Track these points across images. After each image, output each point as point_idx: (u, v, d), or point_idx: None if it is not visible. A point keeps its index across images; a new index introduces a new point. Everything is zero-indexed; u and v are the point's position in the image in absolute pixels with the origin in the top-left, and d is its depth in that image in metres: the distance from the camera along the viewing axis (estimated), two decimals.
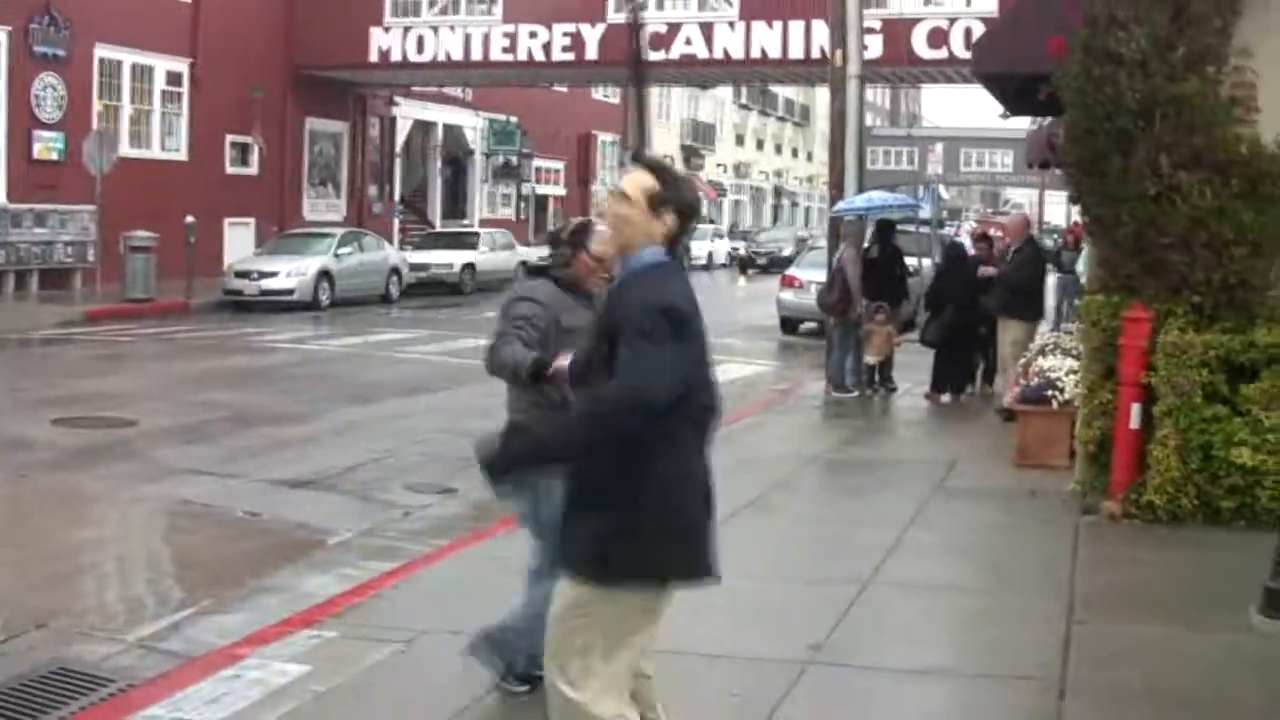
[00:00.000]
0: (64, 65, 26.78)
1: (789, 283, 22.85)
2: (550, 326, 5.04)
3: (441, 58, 31.92)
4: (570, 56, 30.77)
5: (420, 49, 31.91)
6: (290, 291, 25.42)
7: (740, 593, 6.81)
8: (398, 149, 38.34)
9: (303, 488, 9.82)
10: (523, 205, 44.99)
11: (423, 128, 39.94)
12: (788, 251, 41.87)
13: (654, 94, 49.82)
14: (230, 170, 31.81)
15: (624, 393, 3.65)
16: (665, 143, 51.87)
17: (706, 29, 29.47)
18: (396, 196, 38.52)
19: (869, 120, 29.81)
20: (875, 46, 24.76)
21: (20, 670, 5.79)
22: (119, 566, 8.06)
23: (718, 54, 29.60)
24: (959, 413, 13.82)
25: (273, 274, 25.54)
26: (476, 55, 31.57)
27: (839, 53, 15.41)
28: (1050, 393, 10.37)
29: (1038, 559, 7.62)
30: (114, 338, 19.70)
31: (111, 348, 18.58)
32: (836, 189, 15.47)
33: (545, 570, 4.83)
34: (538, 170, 45.64)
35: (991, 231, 18.10)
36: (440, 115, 40.28)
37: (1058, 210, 55.28)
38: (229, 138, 31.60)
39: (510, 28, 30.95)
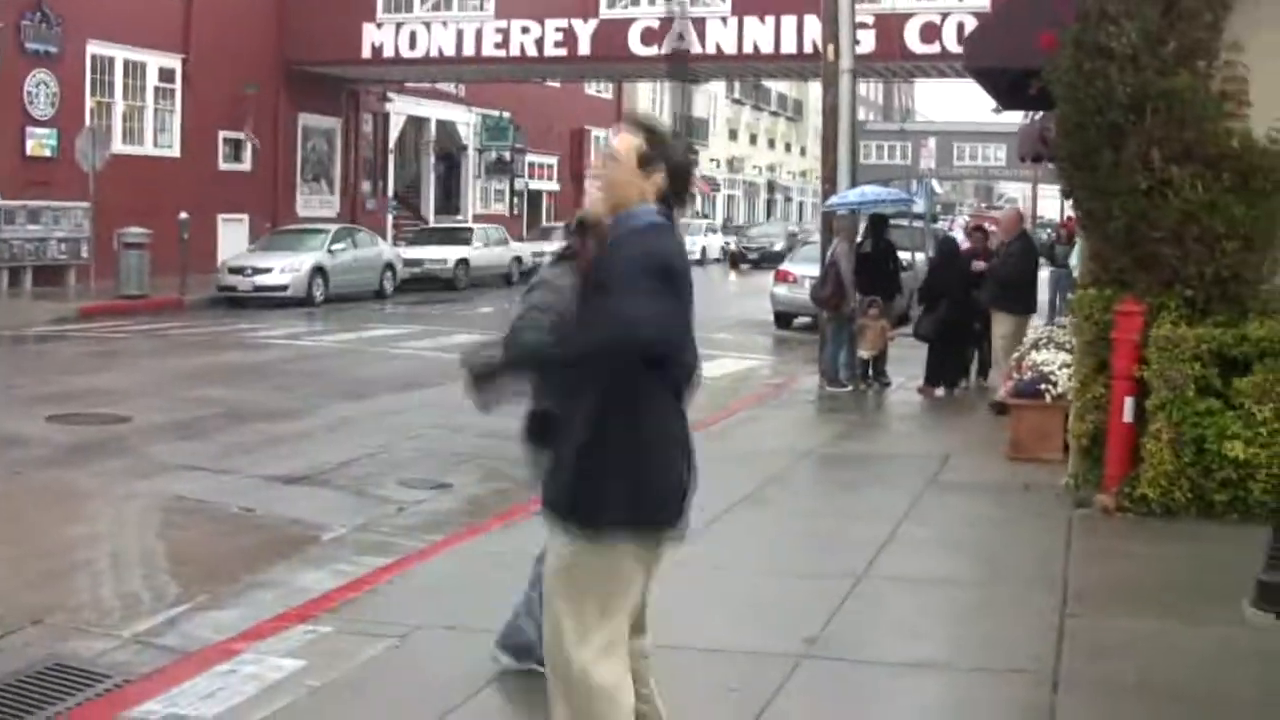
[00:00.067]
0: (56, 62, 26.75)
1: (782, 277, 22.88)
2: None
3: (434, 53, 31.87)
4: (563, 52, 30.73)
5: (413, 45, 31.87)
6: (284, 288, 25.43)
7: (735, 587, 6.87)
8: (391, 145, 38.31)
9: (297, 483, 9.83)
10: (516, 201, 44.93)
11: (416, 123, 39.91)
12: (779, 247, 41.92)
13: (646, 89, 50.00)
14: (223, 166, 31.77)
15: (617, 323, 3.67)
16: None
17: (699, 24, 29.44)
18: (390, 192, 38.50)
19: (862, 115, 29.87)
20: (868, 41, 24.73)
21: (16, 666, 5.79)
22: (114, 562, 8.05)
23: (710, 49, 29.59)
24: (953, 407, 13.85)
25: (267, 270, 25.53)
26: (469, 51, 31.52)
27: (831, 47, 15.45)
28: (1043, 387, 10.39)
29: (1031, 552, 7.63)
30: (108, 334, 19.68)
31: (105, 344, 18.56)
32: (830, 184, 15.50)
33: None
34: (531, 166, 45.57)
35: (987, 225, 18.10)
36: (433, 111, 40.26)
37: (1052, 204, 55.33)
38: (222, 134, 31.55)
39: (503, 23, 30.92)
